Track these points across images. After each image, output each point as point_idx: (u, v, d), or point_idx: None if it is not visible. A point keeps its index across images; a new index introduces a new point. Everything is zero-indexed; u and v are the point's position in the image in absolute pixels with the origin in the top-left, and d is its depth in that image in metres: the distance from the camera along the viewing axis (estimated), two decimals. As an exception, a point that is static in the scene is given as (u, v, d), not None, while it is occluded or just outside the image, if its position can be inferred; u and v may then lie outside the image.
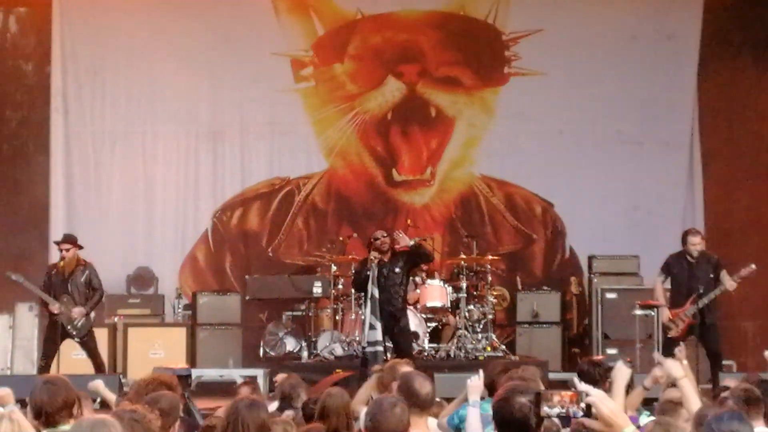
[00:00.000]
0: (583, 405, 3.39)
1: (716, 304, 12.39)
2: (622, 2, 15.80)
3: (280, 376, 8.98)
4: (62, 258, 12.63)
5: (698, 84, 16.03)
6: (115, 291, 14.92)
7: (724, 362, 12.94)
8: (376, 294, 11.80)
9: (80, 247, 12.75)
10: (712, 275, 12.23)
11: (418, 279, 14.09)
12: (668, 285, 12.51)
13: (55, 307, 12.41)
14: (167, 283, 15.54)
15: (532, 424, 3.82)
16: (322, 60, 16.21)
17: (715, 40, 15.76)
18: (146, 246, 15.92)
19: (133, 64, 15.97)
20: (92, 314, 12.73)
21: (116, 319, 14.58)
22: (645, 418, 6.39)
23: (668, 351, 12.49)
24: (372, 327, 11.76)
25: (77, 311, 12.47)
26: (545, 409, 3.39)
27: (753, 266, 12.15)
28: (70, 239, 12.80)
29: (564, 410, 3.41)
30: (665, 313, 12.35)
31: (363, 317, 12.08)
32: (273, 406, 7.61)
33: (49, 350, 12.49)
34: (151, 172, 16.06)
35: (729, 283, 12.08)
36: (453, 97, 16.19)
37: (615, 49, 15.92)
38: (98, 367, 12.54)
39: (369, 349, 11.78)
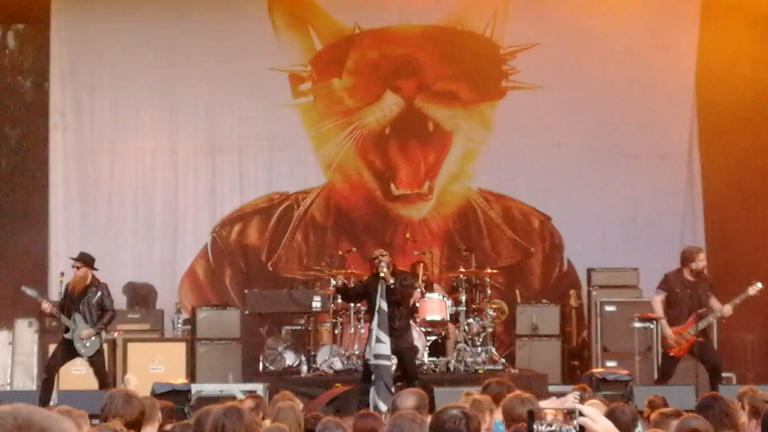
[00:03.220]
0: (576, 423, 3.40)
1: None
2: (618, 16, 15.81)
3: None
4: (74, 275, 12.68)
5: (695, 95, 16.06)
6: (115, 306, 14.90)
7: (724, 374, 12.99)
8: (384, 307, 11.78)
9: (94, 268, 12.74)
10: (711, 296, 12.37)
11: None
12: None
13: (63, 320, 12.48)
14: (166, 298, 15.55)
15: None
16: (320, 75, 16.23)
17: (711, 52, 15.78)
18: (145, 261, 15.93)
19: (131, 80, 16.00)
20: (103, 334, 12.74)
21: (116, 334, 14.55)
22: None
23: (667, 366, 12.60)
24: (379, 340, 11.73)
25: (86, 333, 12.49)
26: (538, 428, 3.40)
27: (759, 285, 12.20)
28: (82, 258, 12.78)
29: (557, 428, 3.42)
30: (667, 329, 12.39)
31: (371, 329, 12.03)
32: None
33: (53, 366, 12.54)
34: (149, 187, 16.07)
35: (726, 308, 12.22)
36: (451, 112, 16.21)
37: (612, 62, 15.94)
38: (104, 387, 12.46)
39: (373, 362, 11.75)
